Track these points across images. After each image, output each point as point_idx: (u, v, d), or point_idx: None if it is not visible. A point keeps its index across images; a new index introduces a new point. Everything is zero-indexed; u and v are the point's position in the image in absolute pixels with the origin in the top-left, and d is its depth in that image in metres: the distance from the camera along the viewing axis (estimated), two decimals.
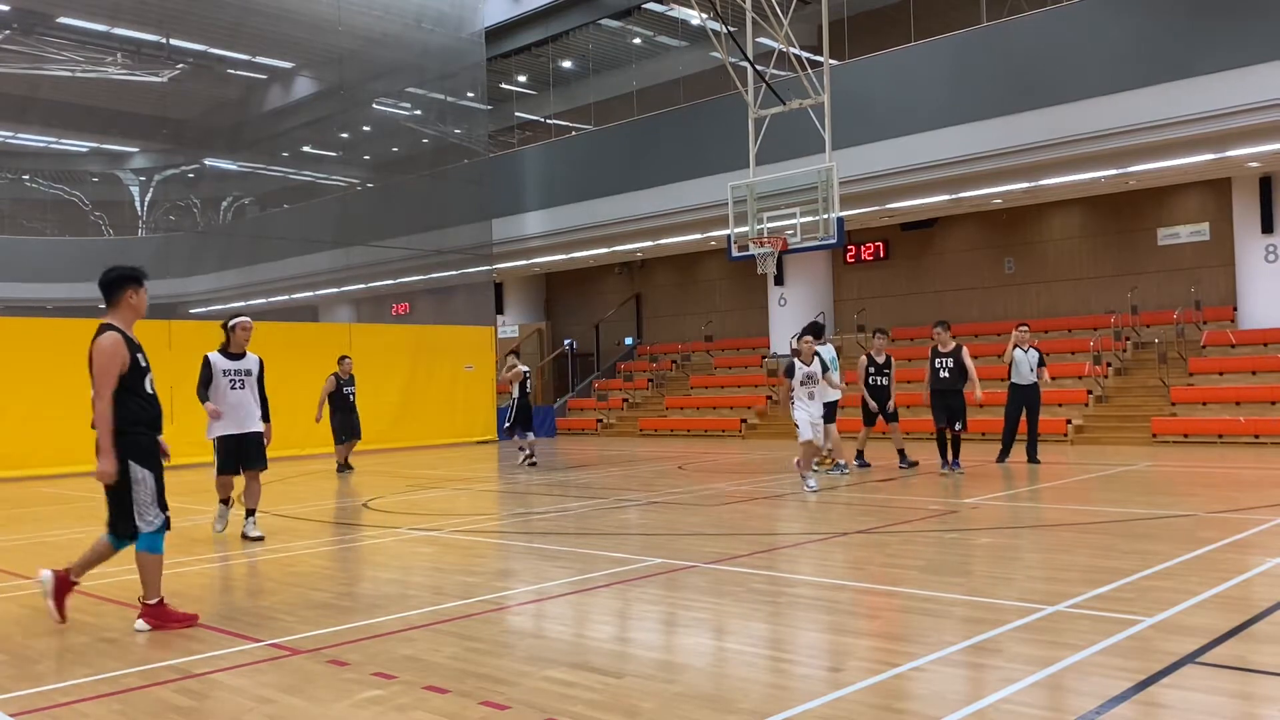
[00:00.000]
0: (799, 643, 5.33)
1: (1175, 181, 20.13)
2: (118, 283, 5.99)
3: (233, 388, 9.09)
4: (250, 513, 9.30)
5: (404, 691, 4.49)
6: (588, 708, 4.19)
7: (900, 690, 4.34)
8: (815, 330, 14.81)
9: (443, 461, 18.67)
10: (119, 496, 5.80)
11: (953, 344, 13.26)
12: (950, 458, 13.09)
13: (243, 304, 27.54)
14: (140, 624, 5.82)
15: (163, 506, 5.87)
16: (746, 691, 4.38)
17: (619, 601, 6.32)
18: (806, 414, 11.56)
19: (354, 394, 16.78)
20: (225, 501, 9.53)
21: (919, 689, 4.37)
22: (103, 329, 5.81)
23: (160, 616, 5.82)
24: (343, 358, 16.95)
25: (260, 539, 9.06)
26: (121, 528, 5.84)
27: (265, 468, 9.32)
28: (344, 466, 16.75)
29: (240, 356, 9.21)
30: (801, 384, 11.61)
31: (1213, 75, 16.26)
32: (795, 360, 11.77)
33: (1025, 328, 14.34)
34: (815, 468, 14.86)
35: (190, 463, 18.16)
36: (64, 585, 5.97)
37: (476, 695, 4.39)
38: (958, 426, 13.01)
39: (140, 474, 5.78)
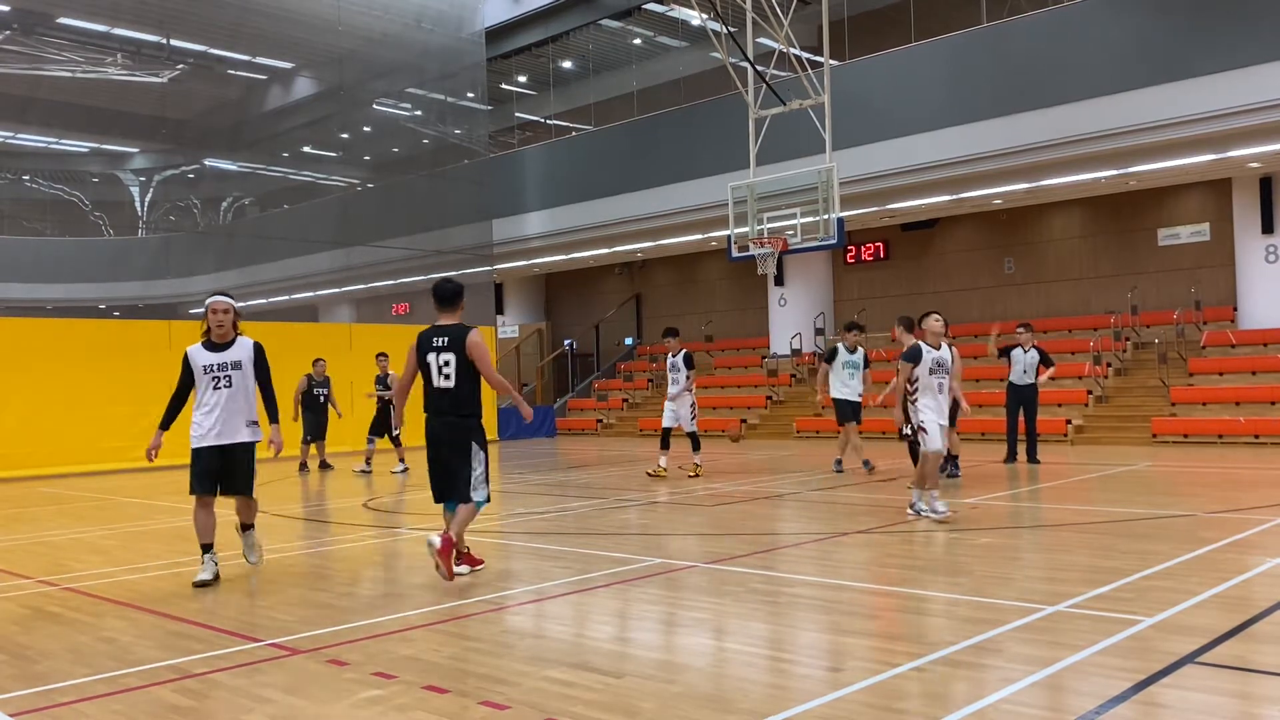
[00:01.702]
0: (799, 643, 5.32)
1: (1175, 182, 20.14)
2: (460, 293, 7.18)
3: (215, 386, 7.16)
4: (247, 527, 7.57)
5: (404, 691, 4.48)
6: (588, 708, 4.19)
7: (900, 690, 4.34)
8: (857, 327, 13.81)
9: None
10: (467, 468, 6.93)
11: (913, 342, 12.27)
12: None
13: (243, 304, 27.43)
14: (461, 569, 7.02)
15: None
16: (746, 691, 4.38)
17: (619, 601, 6.31)
18: (936, 414, 9.25)
19: (324, 395, 16.68)
20: (207, 548, 7.29)
21: (919, 689, 4.36)
22: (467, 329, 7.01)
23: (465, 559, 7.14)
24: (316, 360, 16.79)
25: (256, 563, 7.58)
26: (463, 495, 6.95)
27: (249, 494, 7.36)
28: (304, 466, 16.80)
29: (225, 346, 7.27)
30: (930, 372, 9.27)
31: (1213, 75, 16.26)
32: (921, 344, 9.40)
33: (1022, 329, 14.22)
34: (661, 469, 13.67)
35: (186, 464, 18.21)
36: (449, 547, 6.78)
37: (476, 695, 4.38)
38: (906, 431, 11.73)
39: (480, 453, 7.02)
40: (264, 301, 29.00)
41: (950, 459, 12.71)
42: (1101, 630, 5.10)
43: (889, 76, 20.13)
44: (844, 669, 4.66)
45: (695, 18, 22.36)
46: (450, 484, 7.01)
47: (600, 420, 26.58)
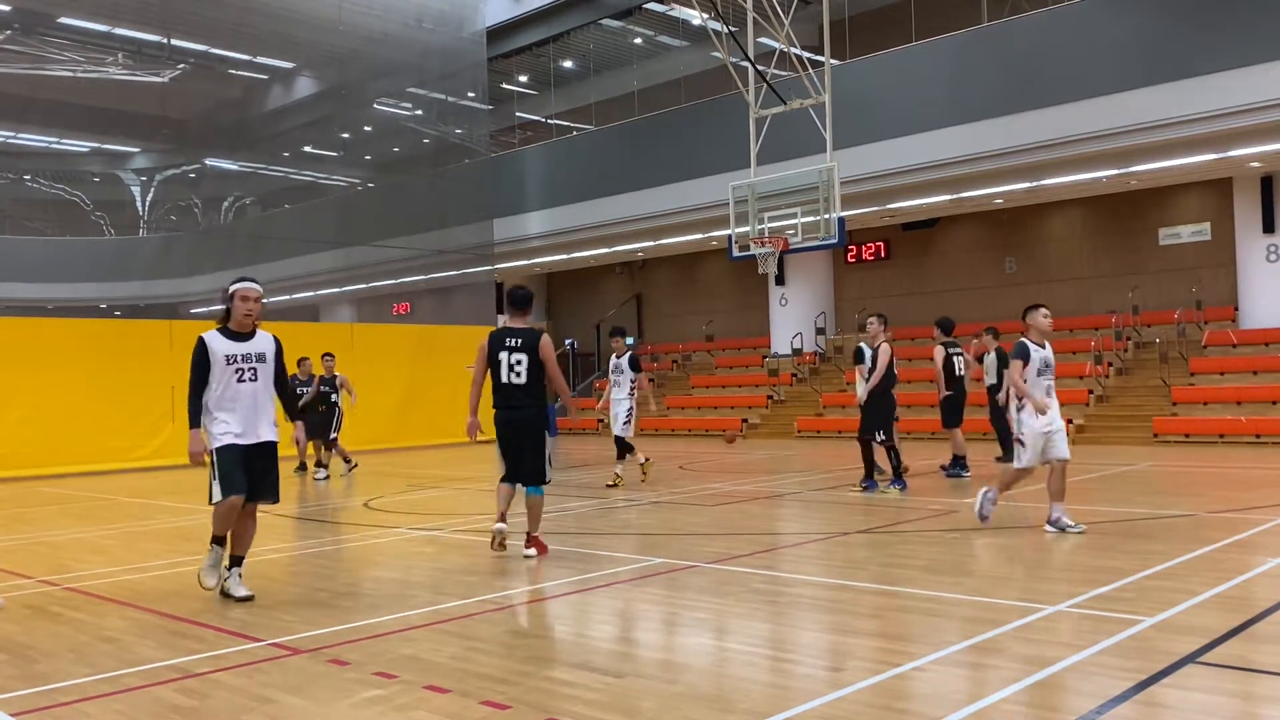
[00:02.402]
0: (799, 643, 5.33)
1: (1176, 181, 20.13)
2: (531, 299, 7.97)
3: (239, 379, 6.49)
4: (237, 561, 6.62)
5: (405, 691, 4.49)
6: (588, 708, 4.19)
7: (900, 690, 4.34)
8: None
9: (443, 461, 18.67)
10: (540, 454, 7.83)
11: (880, 340, 11.39)
12: (867, 473, 11.58)
13: None
14: (529, 551, 7.78)
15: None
16: (747, 691, 4.38)
17: (619, 601, 6.31)
18: (1037, 421, 8.12)
19: (308, 394, 15.70)
20: (220, 541, 6.60)
21: (919, 689, 4.37)
22: (539, 333, 7.77)
23: (539, 545, 7.89)
24: (301, 359, 15.79)
25: (249, 598, 6.47)
26: (534, 478, 7.87)
27: (277, 500, 6.73)
28: (302, 467, 16.55)
29: (248, 336, 6.64)
30: (1039, 374, 8.26)
31: (1214, 75, 16.26)
32: (1027, 342, 8.31)
33: (984, 335, 13.87)
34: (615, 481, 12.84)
35: (185, 464, 18.19)
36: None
37: (477, 695, 4.39)
38: (878, 438, 11.37)
39: (550, 440, 7.93)
40: (264, 301, 29.01)
41: (957, 459, 12.76)
42: (1102, 630, 5.10)
43: (889, 76, 20.13)
44: (845, 669, 4.66)
45: (696, 17, 22.35)
46: (522, 466, 7.89)
47: (601, 420, 26.56)
